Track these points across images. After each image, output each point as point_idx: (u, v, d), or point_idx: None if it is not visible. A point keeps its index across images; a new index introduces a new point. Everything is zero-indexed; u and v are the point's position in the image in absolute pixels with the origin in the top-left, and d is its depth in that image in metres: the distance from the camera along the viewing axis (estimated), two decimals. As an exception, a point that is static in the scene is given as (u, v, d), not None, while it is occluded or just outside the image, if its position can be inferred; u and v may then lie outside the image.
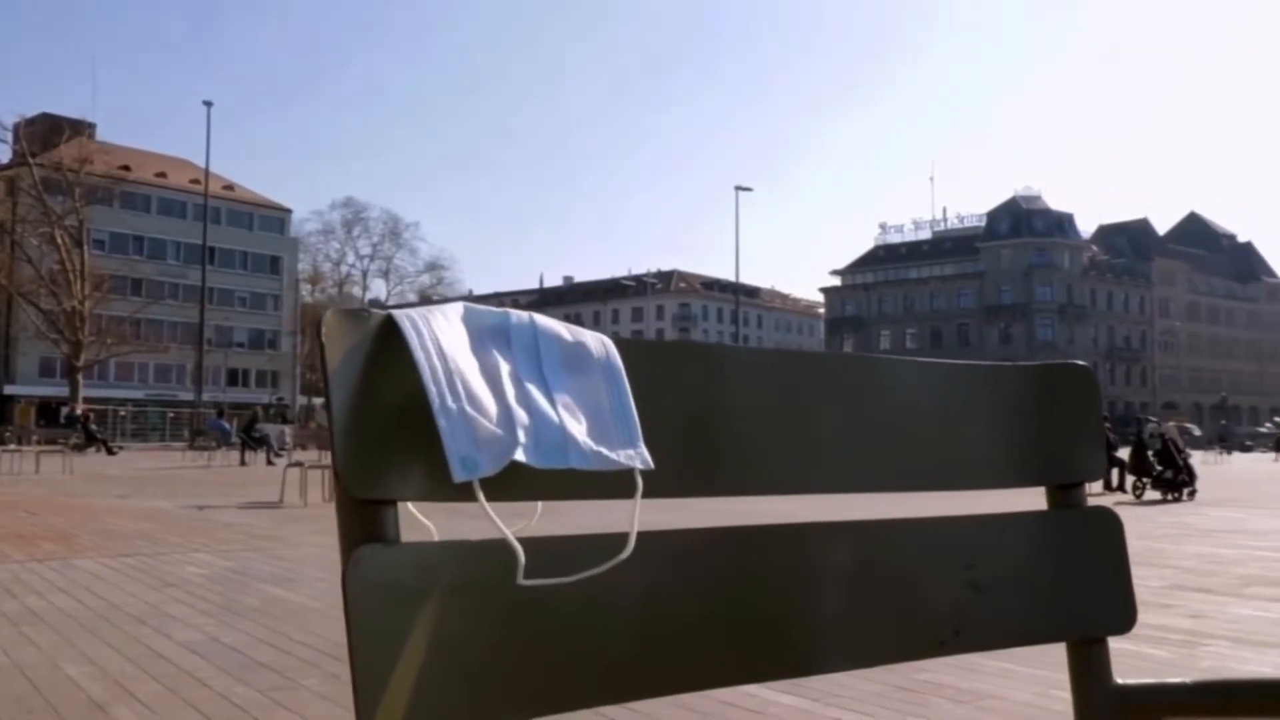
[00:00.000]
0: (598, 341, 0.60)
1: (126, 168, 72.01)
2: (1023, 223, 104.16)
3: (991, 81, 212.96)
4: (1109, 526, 0.79)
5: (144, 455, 33.81)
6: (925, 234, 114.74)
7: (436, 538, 0.54)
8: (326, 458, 8.73)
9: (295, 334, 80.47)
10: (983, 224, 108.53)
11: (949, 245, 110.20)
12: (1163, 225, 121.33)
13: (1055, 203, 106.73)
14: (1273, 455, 45.20)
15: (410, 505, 0.55)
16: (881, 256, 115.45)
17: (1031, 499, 0.81)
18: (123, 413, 51.67)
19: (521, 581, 0.52)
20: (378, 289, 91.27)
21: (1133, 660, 3.98)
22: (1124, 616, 0.78)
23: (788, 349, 0.68)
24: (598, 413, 0.58)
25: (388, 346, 0.54)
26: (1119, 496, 13.29)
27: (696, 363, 0.63)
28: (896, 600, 0.69)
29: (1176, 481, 15.00)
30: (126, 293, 60.96)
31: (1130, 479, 15.20)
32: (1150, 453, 14.67)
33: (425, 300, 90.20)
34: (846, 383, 0.70)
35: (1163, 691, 0.75)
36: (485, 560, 0.53)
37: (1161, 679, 0.73)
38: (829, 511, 0.74)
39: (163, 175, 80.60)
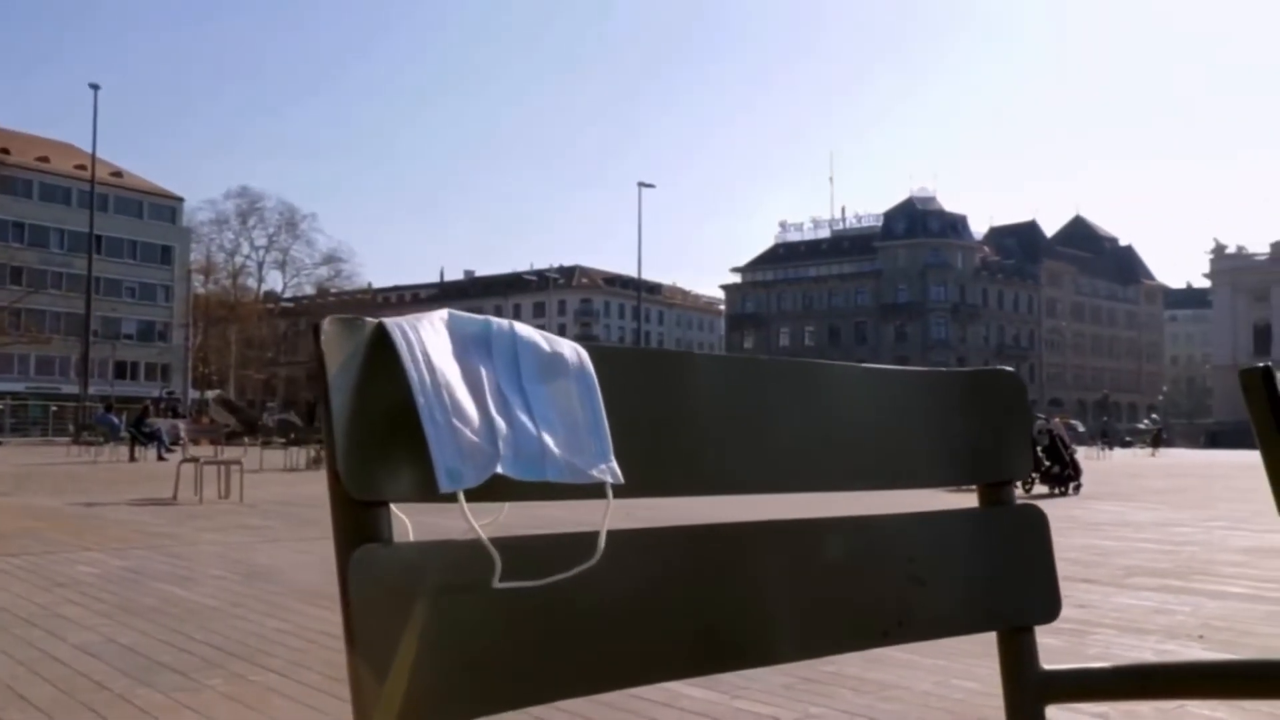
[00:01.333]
0: (573, 351, 0.63)
1: (5, 150, 69.04)
2: (918, 223, 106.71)
3: (888, 84, 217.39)
4: (1036, 522, 0.85)
5: (25, 450, 32.50)
6: (824, 233, 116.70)
7: (412, 537, 0.56)
8: (223, 453, 8.60)
9: (187, 326, 78.15)
10: (880, 224, 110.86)
11: (847, 244, 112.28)
12: (1050, 228, 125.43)
13: (949, 204, 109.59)
14: (1149, 450, 47.18)
15: (392, 505, 0.56)
16: (781, 255, 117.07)
17: (964, 498, 0.86)
18: (0, 406, 49.59)
19: (496, 584, 0.54)
20: (274, 280, 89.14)
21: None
22: (1050, 607, 0.83)
23: (745, 356, 0.72)
24: (572, 425, 0.60)
25: (380, 354, 0.55)
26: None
27: (662, 369, 0.66)
28: (845, 593, 0.73)
29: (1063, 476, 15.56)
30: (5, 281, 58.42)
31: (1035, 475, 15.72)
32: (1039, 449, 15.18)
33: (322, 292, 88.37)
34: (798, 388, 0.74)
35: (1084, 676, 0.81)
36: (470, 561, 0.56)
37: (1083, 665, 0.78)
38: (773, 510, 0.77)
39: (45, 159, 77.45)
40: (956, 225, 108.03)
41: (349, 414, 0.53)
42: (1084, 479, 16.06)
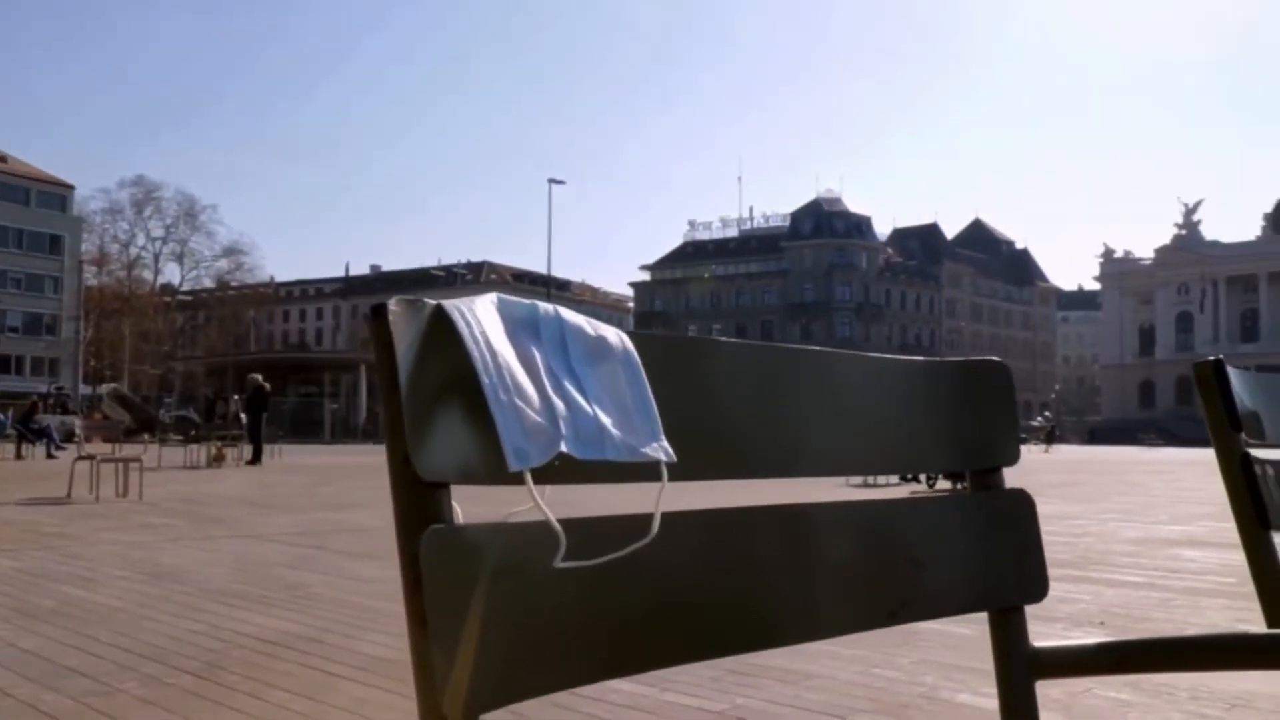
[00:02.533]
0: (616, 335, 0.63)
1: (-119, 135, 65.82)
2: (824, 224, 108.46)
3: (796, 87, 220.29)
4: (1024, 506, 0.88)
5: (-98, 448, 31.04)
6: (732, 232, 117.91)
7: (461, 519, 0.56)
8: (122, 450, 8.29)
9: (78, 319, 75.39)
10: (787, 224, 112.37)
11: (755, 244, 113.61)
12: (951, 230, 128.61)
13: (855, 206, 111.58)
14: (1043, 447, 48.76)
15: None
16: (690, 253, 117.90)
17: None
18: None
19: (558, 564, 0.55)
20: (171, 273, 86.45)
21: (943, 639, 4.25)
22: (1038, 587, 0.87)
23: (764, 344, 0.73)
24: (621, 405, 0.61)
25: (441, 335, 0.55)
26: (914, 486, 14.07)
27: (689, 355, 0.67)
28: (857, 575, 0.75)
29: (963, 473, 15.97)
30: (-126, 270, 55.56)
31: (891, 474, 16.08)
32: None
33: (222, 285, 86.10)
34: (811, 376, 0.76)
35: (1070, 652, 0.85)
36: (531, 542, 0.56)
37: (1071, 642, 0.81)
38: (776, 494, 0.79)
39: (-79, 143, 73.97)
40: (861, 226, 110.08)
41: (417, 395, 0.53)
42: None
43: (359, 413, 47.32)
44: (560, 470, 0.56)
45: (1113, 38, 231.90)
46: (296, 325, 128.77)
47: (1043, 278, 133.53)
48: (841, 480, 13.90)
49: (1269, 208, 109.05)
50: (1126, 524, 10.42)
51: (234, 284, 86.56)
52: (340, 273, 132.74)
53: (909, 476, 16.36)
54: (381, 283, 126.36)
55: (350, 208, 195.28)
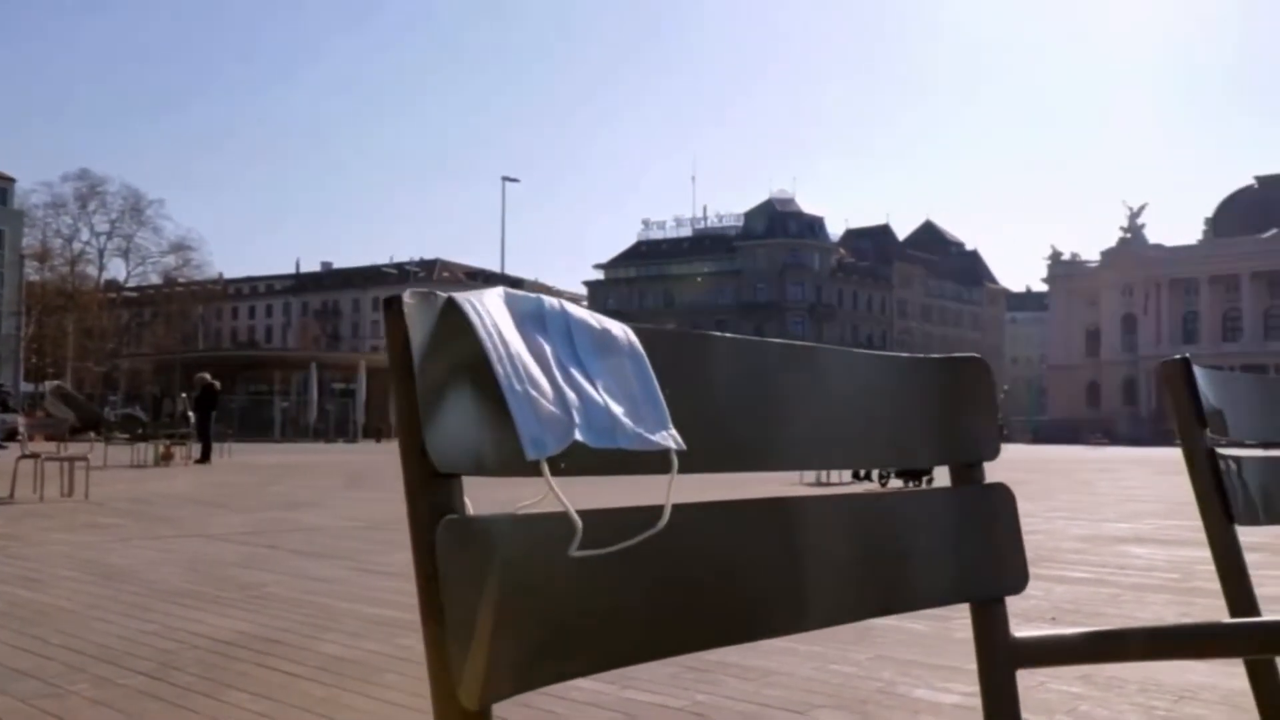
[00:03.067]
0: (621, 329, 0.64)
1: None
2: (777, 224, 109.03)
3: (751, 87, 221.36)
4: (1005, 500, 0.90)
5: None
6: (686, 231, 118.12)
7: (471, 510, 0.57)
8: (67, 449, 8.14)
9: (19, 314, 73.81)
10: (740, 224, 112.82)
11: (709, 243, 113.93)
12: (902, 231, 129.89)
13: (807, 206, 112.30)
14: (993, 446, 49.28)
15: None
16: (644, 252, 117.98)
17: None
18: None
19: (574, 553, 0.56)
20: (116, 269, 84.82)
21: (899, 635, 4.30)
22: (1018, 578, 0.89)
23: (759, 339, 0.74)
24: (630, 396, 0.62)
25: (453, 327, 0.56)
26: (867, 485, 14.19)
27: (690, 350, 0.68)
28: (853, 566, 0.77)
29: (916, 472, 16.17)
30: None
31: (875, 471, 16.23)
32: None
33: (169, 281, 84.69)
34: (805, 370, 0.77)
35: (1049, 641, 0.87)
36: (544, 532, 0.57)
37: (1050, 631, 0.83)
38: (758, 487, 0.80)
39: None
40: (814, 226, 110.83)
41: (432, 386, 0.53)
42: (935, 472, 16.70)
43: (310, 411, 46.82)
44: (571, 460, 0.57)
45: (1062, 45, 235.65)
46: (246, 322, 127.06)
47: (992, 279, 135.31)
48: (795, 477, 13.98)
49: (1210, 212, 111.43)
50: (1074, 522, 10.60)
51: (181, 280, 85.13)
52: (291, 269, 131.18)
53: (861, 474, 16.51)
54: (333, 280, 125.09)
55: (301, 204, 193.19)
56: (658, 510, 0.60)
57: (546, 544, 0.56)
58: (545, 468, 0.56)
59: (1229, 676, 3.64)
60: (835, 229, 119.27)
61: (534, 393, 0.56)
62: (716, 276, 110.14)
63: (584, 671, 0.59)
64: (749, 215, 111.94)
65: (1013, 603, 3.36)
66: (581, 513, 0.57)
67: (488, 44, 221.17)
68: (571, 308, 0.63)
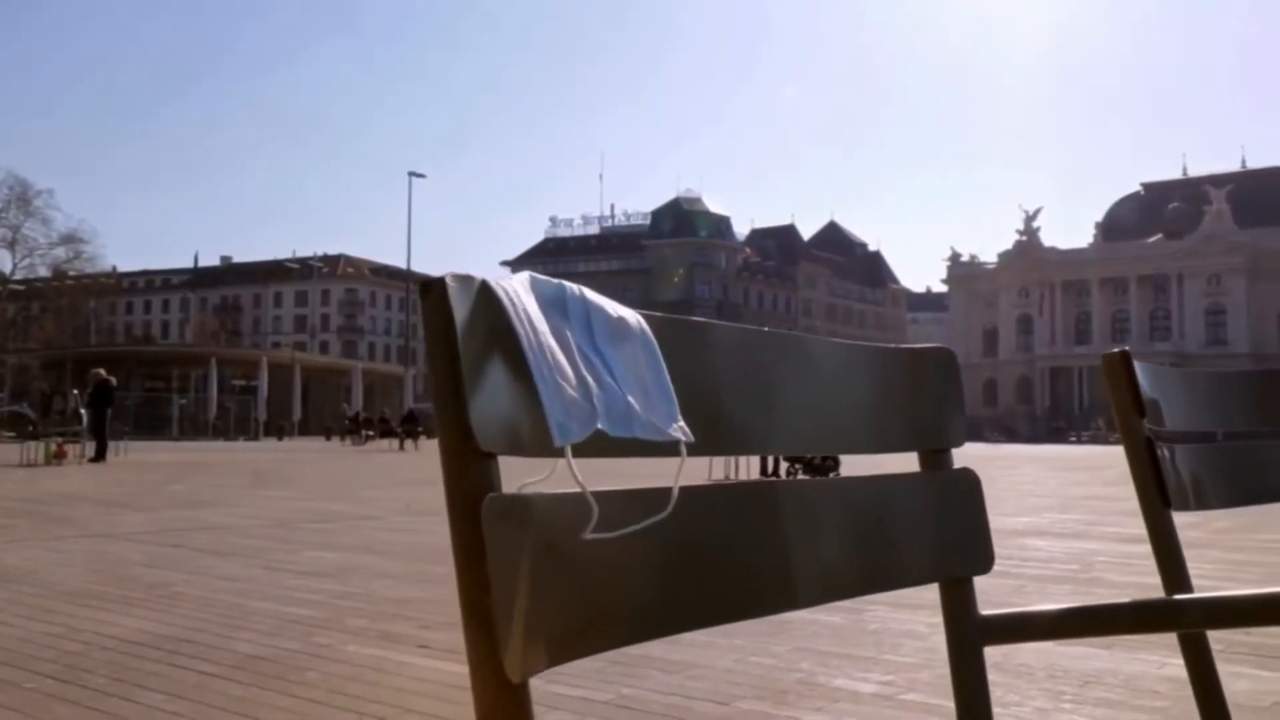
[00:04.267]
0: (634, 317, 0.66)
1: None
2: (684, 223, 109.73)
3: (658, 86, 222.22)
4: (971, 485, 0.94)
5: None
6: (594, 229, 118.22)
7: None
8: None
9: (-106, 308, 70.39)
10: (648, 222, 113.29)
11: (616, 241, 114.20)
12: (807, 231, 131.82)
13: (714, 205, 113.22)
14: (895, 443, 50.39)
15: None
16: (551, 249, 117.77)
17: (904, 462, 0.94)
18: None
19: (587, 536, 0.57)
20: (2, 261, 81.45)
21: (814, 628, 4.38)
22: (985, 559, 0.93)
23: (752, 327, 0.77)
24: (643, 385, 0.63)
25: (489, 311, 0.57)
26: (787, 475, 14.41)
27: (689, 337, 0.70)
28: (839, 547, 0.80)
29: (824, 467, 16.47)
30: None
31: (785, 465, 16.49)
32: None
33: (59, 274, 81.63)
34: (791, 359, 0.80)
35: (1014, 619, 0.91)
36: (573, 512, 0.58)
37: (1016, 610, 0.88)
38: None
39: None
40: (721, 226, 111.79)
41: (475, 368, 0.54)
42: (843, 469, 17.02)
43: (209, 408, 45.63)
44: (589, 444, 0.58)
45: (962, 50, 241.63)
46: (141, 317, 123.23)
47: (894, 279, 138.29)
48: (704, 463, 14.09)
49: (1100, 216, 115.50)
50: (977, 516, 10.87)
51: (72, 274, 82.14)
52: (189, 263, 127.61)
53: (770, 471, 16.74)
54: (232, 274, 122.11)
55: (200, 197, 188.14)
56: (665, 493, 0.62)
57: (579, 522, 0.58)
58: (569, 453, 0.57)
59: (1130, 661, 3.80)
60: (741, 229, 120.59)
61: (559, 379, 0.57)
62: (624, 275, 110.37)
63: (614, 645, 0.61)
64: (656, 214, 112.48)
65: (922, 595, 3.45)
66: (594, 494, 0.59)
67: (392, 37, 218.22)
68: (590, 294, 0.65)
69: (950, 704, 3.20)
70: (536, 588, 0.55)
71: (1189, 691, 3.83)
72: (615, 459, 0.66)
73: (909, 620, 4.68)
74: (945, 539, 0.90)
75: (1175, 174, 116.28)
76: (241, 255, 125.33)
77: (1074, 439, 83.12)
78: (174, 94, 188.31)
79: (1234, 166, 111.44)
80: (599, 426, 0.59)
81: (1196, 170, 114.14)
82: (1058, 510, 11.47)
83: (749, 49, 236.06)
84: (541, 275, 0.62)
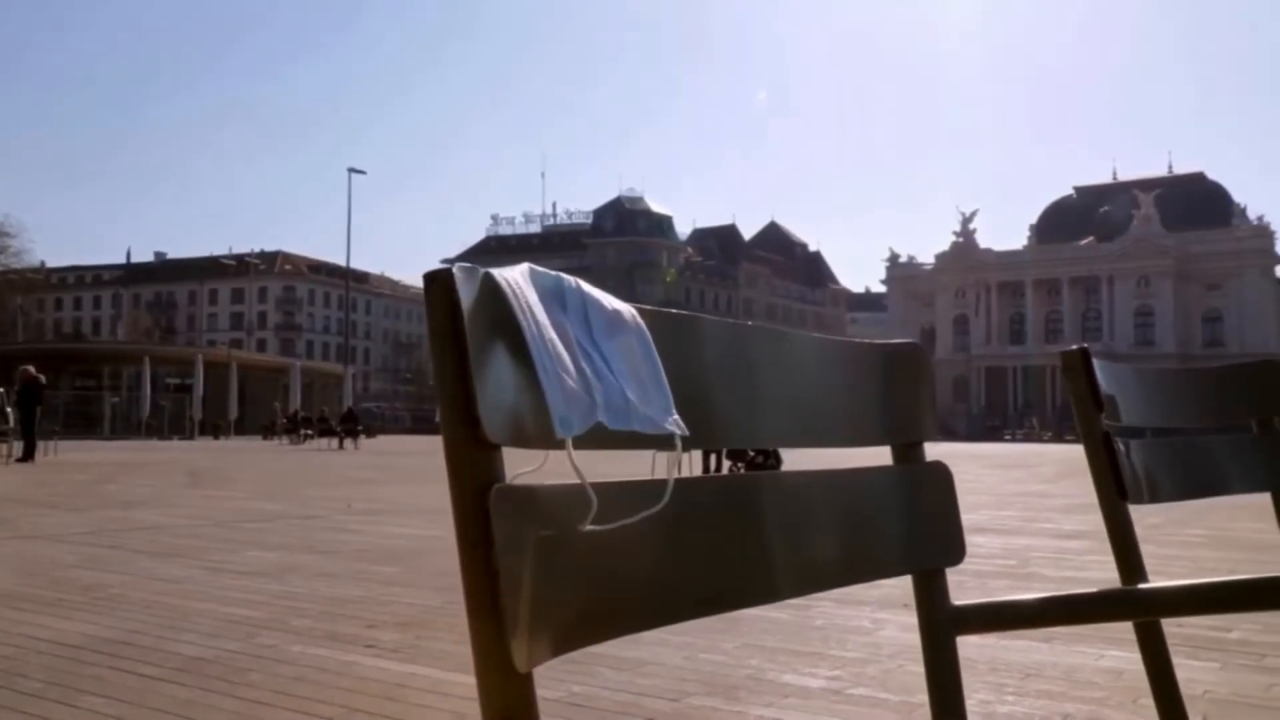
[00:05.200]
0: (628, 310, 0.66)
1: None
2: (627, 222, 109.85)
3: (601, 84, 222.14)
4: (944, 477, 0.96)
5: None
6: (535, 227, 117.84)
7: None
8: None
9: None
10: (590, 221, 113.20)
11: (558, 240, 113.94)
12: (748, 231, 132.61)
13: (656, 205, 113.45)
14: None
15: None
16: (493, 247, 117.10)
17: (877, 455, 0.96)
18: None
19: (585, 527, 0.58)
20: (-77, 255, 79.06)
21: (764, 624, 4.42)
22: (956, 551, 0.95)
23: (736, 321, 0.77)
24: (639, 378, 0.64)
25: (493, 303, 0.57)
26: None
27: (680, 331, 0.71)
28: (820, 538, 0.81)
29: (766, 465, 16.61)
30: None
31: (726, 462, 16.61)
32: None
33: (-18, 272, 79.48)
34: (776, 353, 0.81)
35: (986, 609, 0.93)
36: (570, 503, 0.58)
37: (987, 600, 0.90)
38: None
39: None
40: (663, 225, 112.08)
41: (480, 359, 0.54)
42: (785, 466, 17.17)
43: (142, 407, 44.71)
44: (587, 436, 0.59)
45: (899, 54, 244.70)
46: (71, 314, 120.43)
47: (834, 279, 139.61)
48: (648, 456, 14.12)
49: (1034, 219, 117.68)
50: (916, 513, 11.02)
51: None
52: (121, 259, 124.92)
53: (714, 467, 16.84)
54: (167, 270, 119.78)
55: (133, 192, 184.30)
56: (660, 485, 0.63)
57: (579, 513, 0.58)
58: (570, 445, 0.58)
59: (1068, 654, 3.88)
60: (683, 228, 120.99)
61: (561, 372, 0.58)
62: (566, 273, 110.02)
63: (615, 635, 0.62)
64: (598, 213, 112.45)
65: (867, 592, 3.52)
66: (594, 485, 0.60)
67: (332, 32, 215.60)
68: (587, 286, 0.65)
69: (896, 698, 3.26)
70: (541, 578, 0.55)
71: (1125, 682, 3.93)
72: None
73: (854, 616, 4.74)
74: (919, 531, 0.91)
75: (1106, 178, 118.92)
76: (176, 251, 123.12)
77: (1009, 437, 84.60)
78: (105, 86, 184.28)
79: (1161, 171, 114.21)
80: (599, 419, 0.59)
81: (1126, 174, 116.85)
82: (995, 507, 11.67)
83: (690, 50, 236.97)
84: (539, 268, 0.62)
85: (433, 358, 0.54)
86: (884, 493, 0.90)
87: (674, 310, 0.71)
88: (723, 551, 0.70)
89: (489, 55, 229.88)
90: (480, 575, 0.52)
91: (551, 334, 0.59)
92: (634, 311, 0.66)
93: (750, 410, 0.77)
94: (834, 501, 0.84)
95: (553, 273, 0.63)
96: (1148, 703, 3.39)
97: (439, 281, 0.55)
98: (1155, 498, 1.25)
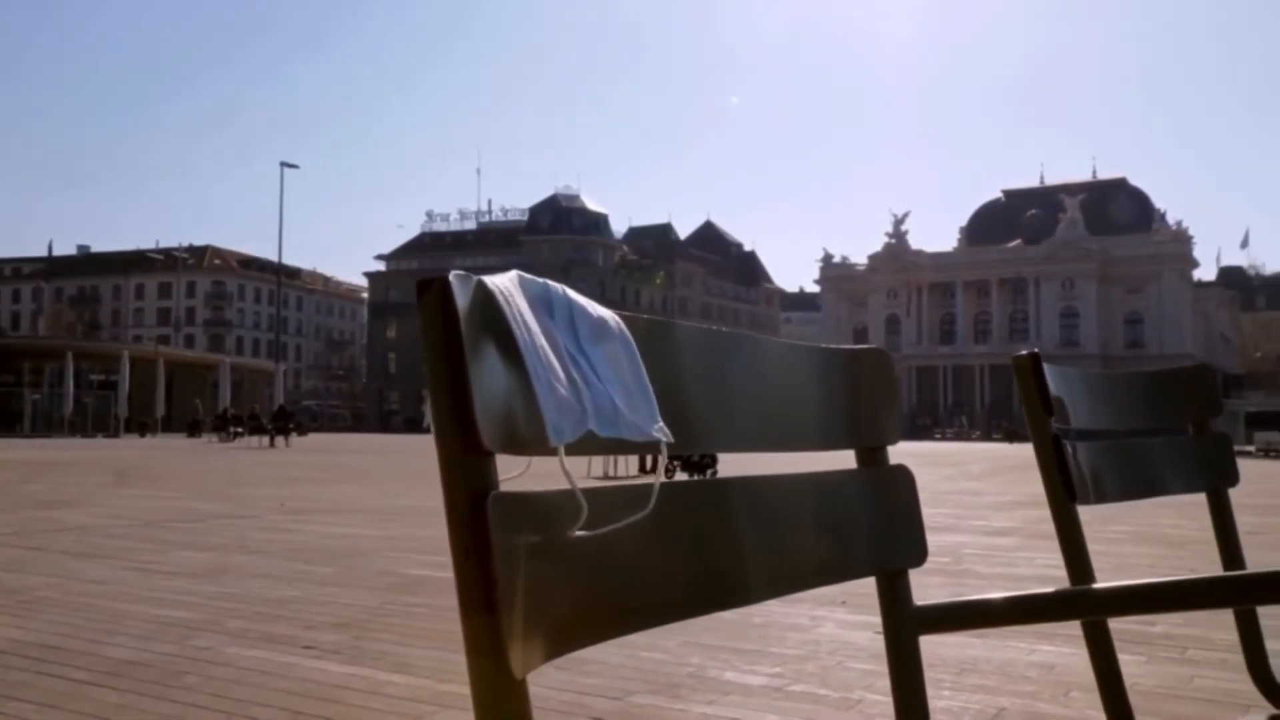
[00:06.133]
0: (612, 316, 0.66)
1: None
2: (562, 220, 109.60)
3: (537, 83, 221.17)
4: (906, 480, 0.98)
5: None
6: (471, 224, 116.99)
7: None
8: None
9: None
10: (525, 218, 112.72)
11: (493, 237, 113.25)
12: (683, 230, 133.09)
13: (592, 203, 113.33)
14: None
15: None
16: (428, 244, 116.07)
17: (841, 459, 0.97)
18: None
19: (575, 533, 0.58)
20: None
21: (705, 624, 4.44)
22: (919, 552, 0.97)
23: (708, 328, 0.78)
24: (624, 385, 0.64)
25: (485, 310, 0.57)
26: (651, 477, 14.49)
27: (658, 337, 0.71)
28: (794, 540, 0.82)
29: (702, 464, 16.69)
30: None
31: (677, 462, 16.67)
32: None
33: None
34: (747, 358, 0.82)
35: (949, 609, 0.95)
36: (561, 509, 0.59)
37: (948, 600, 0.92)
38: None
39: None
40: (598, 224, 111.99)
41: (476, 367, 0.54)
42: (720, 466, 17.26)
43: (65, 404, 43.58)
44: (576, 442, 0.59)
45: (832, 60, 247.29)
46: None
47: (768, 279, 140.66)
48: (584, 462, 14.12)
49: (964, 221, 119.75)
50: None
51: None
52: (42, 252, 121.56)
53: (649, 468, 16.90)
54: (90, 264, 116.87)
55: (56, 183, 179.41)
56: (646, 490, 0.64)
57: (570, 519, 0.59)
58: (561, 452, 0.58)
59: (1001, 649, 3.97)
60: (619, 226, 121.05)
61: (552, 380, 0.58)
62: (501, 270, 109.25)
63: (604, 638, 0.62)
64: (534, 210, 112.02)
65: (813, 595, 3.53)
66: (583, 491, 0.60)
67: (265, 25, 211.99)
68: (573, 294, 0.65)
69: (836, 694, 3.30)
70: (536, 584, 0.55)
71: (1056, 676, 4.01)
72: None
73: (792, 614, 4.79)
74: (883, 532, 0.93)
75: (1034, 182, 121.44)
76: (101, 245, 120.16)
77: (939, 436, 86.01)
78: (25, 73, 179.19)
79: (1086, 176, 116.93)
80: (590, 427, 0.60)
81: (1053, 179, 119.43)
82: (928, 505, 11.76)
83: (626, 51, 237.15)
84: (526, 274, 0.63)
85: (427, 365, 0.54)
86: (851, 495, 0.91)
87: (652, 317, 0.72)
88: (704, 554, 0.71)
89: (426, 51, 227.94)
90: (477, 582, 0.52)
91: (542, 341, 0.59)
92: (618, 318, 0.67)
93: (726, 415, 0.78)
94: (806, 505, 0.86)
95: (540, 280, 0.64)
96: (1079, 695, 3.49)
97: (433, 290, 0.55)
98: (1101, 498, 1.28)
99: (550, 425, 0.57)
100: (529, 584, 0.55)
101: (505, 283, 0.60)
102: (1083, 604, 0.92)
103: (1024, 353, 1.21)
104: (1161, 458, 1.47)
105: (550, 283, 0.64)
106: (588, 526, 0.58)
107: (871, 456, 0.96)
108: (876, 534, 0.92)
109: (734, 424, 0.79)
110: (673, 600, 0.69)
